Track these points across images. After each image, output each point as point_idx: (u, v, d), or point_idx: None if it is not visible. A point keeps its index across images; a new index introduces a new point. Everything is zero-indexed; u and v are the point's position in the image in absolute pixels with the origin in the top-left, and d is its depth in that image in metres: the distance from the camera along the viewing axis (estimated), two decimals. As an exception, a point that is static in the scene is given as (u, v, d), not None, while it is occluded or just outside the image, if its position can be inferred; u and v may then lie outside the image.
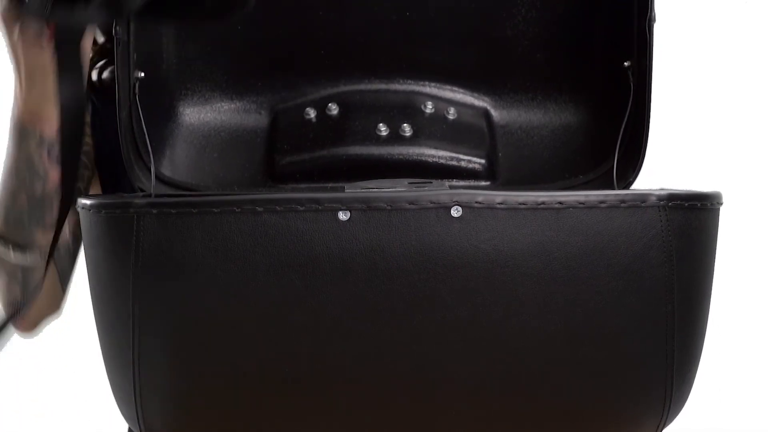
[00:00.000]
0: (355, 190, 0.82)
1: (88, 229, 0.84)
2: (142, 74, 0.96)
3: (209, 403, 0.83)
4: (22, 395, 1.98)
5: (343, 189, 0.83)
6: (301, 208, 0.79)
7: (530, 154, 1.07)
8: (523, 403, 0.83)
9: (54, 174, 0.92)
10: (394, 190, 0.82)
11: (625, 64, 0.99)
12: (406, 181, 0.85)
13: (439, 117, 1.06)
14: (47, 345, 1.99)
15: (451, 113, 1.06)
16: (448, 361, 0.81)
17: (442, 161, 1.03)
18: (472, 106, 1.07)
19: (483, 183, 1.05)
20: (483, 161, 1.04)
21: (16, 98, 0.92)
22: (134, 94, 0.96)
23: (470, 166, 1.04)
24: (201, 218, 0.80)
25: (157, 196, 0.94)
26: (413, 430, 0.84)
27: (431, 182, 0.85)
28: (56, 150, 0.91)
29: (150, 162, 0.96)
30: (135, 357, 0.82)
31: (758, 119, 2.01)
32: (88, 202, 0.83)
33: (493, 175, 1.05)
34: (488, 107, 1.07)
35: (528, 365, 0.82)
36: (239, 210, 0.79)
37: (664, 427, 0.88)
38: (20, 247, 0.95)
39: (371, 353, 0.81)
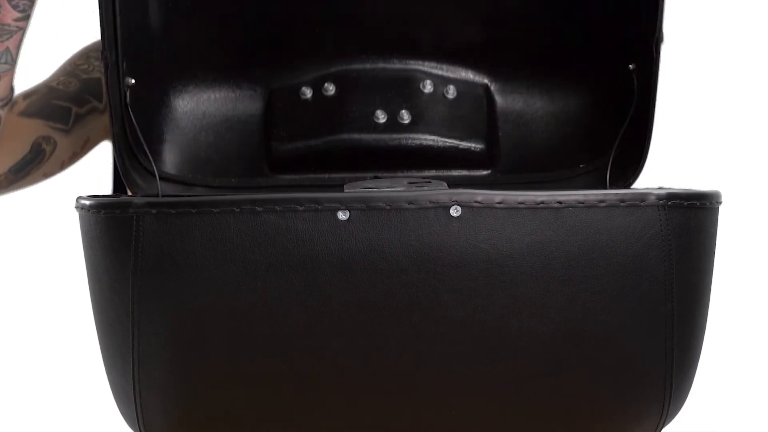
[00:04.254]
0: (354, 189, 0.82)
1: (87, 229, 0.84)
2: (133, 81, 0.95)
3: (209, 403, 0.83)
4: (22, 395, 1.98)
5: (342, 188, 0.83)
6: (301, 208, 0.79)
7: (530, 138, 1.06)
8: (523, 402, 0.83)
9: None
10: (393, 189, 0.82)
11: (630, 66, 0.98)
12: (405, 180, 0.85)
13: (438, 97, 1.04)
14: (47, 345, 1.99)
15: (451, 92, 1.04)
16: (447, 360, 0.81)
17: (440, 148, 1.03)
18: (472, 84, 1.06)
19: (483, 172, 1.04)
20: (482, 146, 1.03)
21: None
22: (126, 104, 0.95)
23: (469, 151, 1.03)
24: (200, 218, 0.80)
25: (156, 195, 0.94)
26: (413, 429, 0.84)
27: (430, 182, 0.85)
28: None
29: (151, 165, 0.96)
30: (135, 357, 0.82)
31: (758, 119, 2.01)
32: (87, 202, 0.83)
33: (492, 160, 1.04)
34: (489, 86, 1.06)
35: (527, 364, 0.82)
36: (239, 210, 0.79)
37: (663, 426, 0.88)
38: None
39: (370, 353, 0.81)
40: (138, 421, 0.85)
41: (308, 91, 1.04)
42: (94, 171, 1.25)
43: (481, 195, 0.80)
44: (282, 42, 1.04)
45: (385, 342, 0.80)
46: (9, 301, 2.02)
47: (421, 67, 1.05)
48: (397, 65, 1.05)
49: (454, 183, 1.04)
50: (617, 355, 0.83)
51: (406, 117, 1.03)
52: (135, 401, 0.84)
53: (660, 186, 0.98)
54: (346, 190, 0.82)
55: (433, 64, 1.05)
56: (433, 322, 0.80)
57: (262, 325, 0.80)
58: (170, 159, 1.03)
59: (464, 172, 1.05)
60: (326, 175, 1.03)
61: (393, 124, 1.02)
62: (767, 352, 1.98)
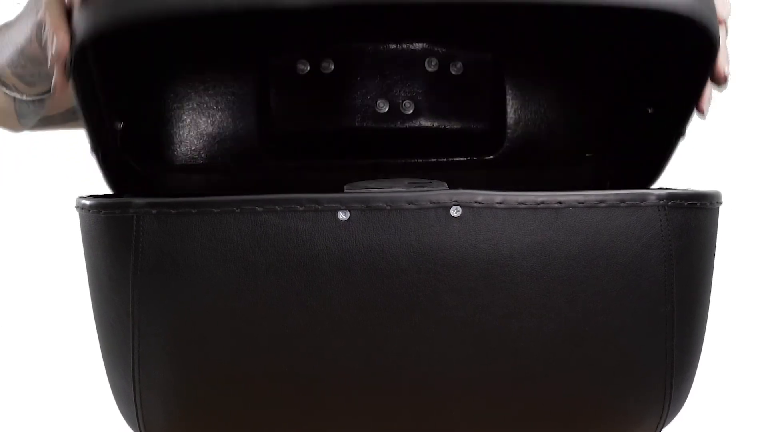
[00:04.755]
0: (354, 189, 0.82)
1: (87, 229, 0.84)
2: (122, 124, 0.94)
3: (209, 403, 0.83)
4: (22, 395, 1.98)
5: (341, 186, 0.83)
6: (301, 208, 0.79)
7: (537, 122, 1.04)
8: (523, 402, 0.83)
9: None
10: (393, 190, 0.82)
11: (649, 110, 0.97)
12: (406, 180, 0.85)
13: (443, 75, 1.02)
14: (47, 345, 1.99)
15: (457, 68, 1.02)
16: (447, 360, 0.81)
17: (444, 134, 1.01)
18: (480, 61, 1.03)
19: (487, 157, 1.04)
20: (487, 129, 1.02)
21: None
22: (118, 148, 0.93)
23: (474, 135, 1.02)
24: (201, 218, 0.80)
25: (157, 196, 0.94)
26: (413, 429, 0.84)
27: (431, 182, 0.85)
28: None
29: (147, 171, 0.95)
30: (135, 357, 0.82)
31: (758, 119, 2.01)
32: (87, 202, 0.83)
33: (498, 144, 1.03)
34: (497, 62, 1.04)
35: (527, 365, 0.82)
36: (239, 210, 0.79)
37: (663, 426, 0.88)
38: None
39: (371, 353, 0.81)
40: (138, 421, 0.85)
41: (305, 67, 1.01)
42: (95, 171, 1.25)
43: (482, 195, 0.80)
44: (277, 15, 0.99)
45: (385, 342, 0.80)
46: (9, 301, 2.02)
47: (425, 43, 1.02)
48: (400, 40, 1.02)
49: (457, 168, 1.03)
50: (617, 356, 0.83)
51: (408, 107, 1.02)
52: (135, 401, 0.84)
53: (660, 186, 0.98)
54: (346, 191, 0.82)
55: (439, 37, 1.02)
56: (434, 323, 0.80)
57: (263, 325, 0.80)
58: (164, 145, 1.02)
59: (468, 158, 1.04)
60: (325, 162, 1.03)
61: (395, 114, 1.01)
62: (767, 353, 1.98)
